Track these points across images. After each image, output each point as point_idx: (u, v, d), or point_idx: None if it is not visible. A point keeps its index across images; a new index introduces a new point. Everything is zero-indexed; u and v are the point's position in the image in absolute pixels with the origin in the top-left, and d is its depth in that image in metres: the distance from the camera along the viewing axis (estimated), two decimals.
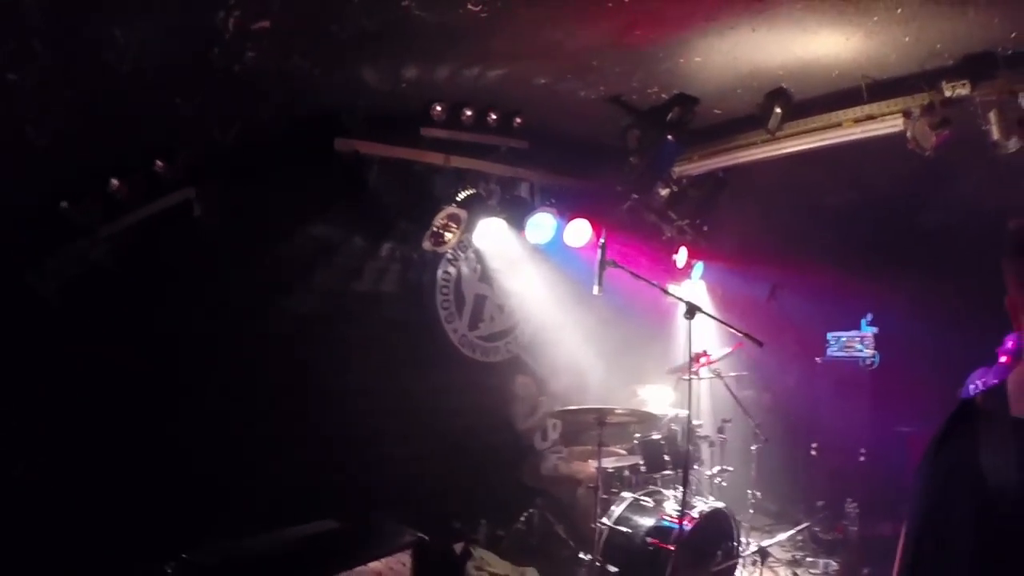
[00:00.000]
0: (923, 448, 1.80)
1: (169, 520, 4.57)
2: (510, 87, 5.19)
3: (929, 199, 6.83)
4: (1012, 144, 4.89)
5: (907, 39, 4.52)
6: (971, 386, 6.21)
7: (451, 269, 6.94)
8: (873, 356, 7.48)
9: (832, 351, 7.75)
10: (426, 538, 5.31)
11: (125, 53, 3.58)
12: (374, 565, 4.78)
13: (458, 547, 5.74)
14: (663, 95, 5.47)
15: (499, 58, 4.68)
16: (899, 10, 4.09)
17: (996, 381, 5.34)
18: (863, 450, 7.28)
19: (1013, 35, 4.49)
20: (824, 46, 4.63)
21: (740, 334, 4.77)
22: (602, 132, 6.11)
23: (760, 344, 4.76)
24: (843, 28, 4.36)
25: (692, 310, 4.62)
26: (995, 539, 1.53)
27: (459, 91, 5.23)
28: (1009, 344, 6.37)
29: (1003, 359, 6.29)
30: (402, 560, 4.98)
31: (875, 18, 4.20)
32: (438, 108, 5.26)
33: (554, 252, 6.86)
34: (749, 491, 6.59)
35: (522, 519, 6.35)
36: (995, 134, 4.90)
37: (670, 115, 5.60)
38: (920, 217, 7.14)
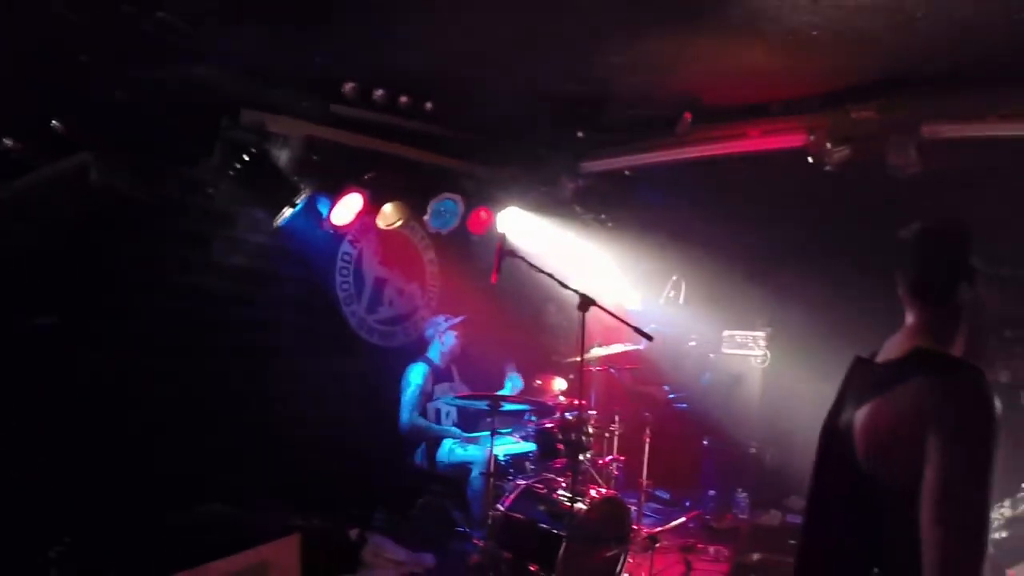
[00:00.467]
0: (811, 443, 2.44)
1: (51, 505, 4.52)
2: (425, 71, 5.26)
3: (830, 210, 7.28)
4: (909, 168, 5.35)
5: (820, 61, 4.85)
6: None
7: (351, 250, 7.01)
8: (765, 354, 7.92)
9: (726, 348, 8.16)
10: (315, 523, 5.39)
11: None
12: (261, 549, 4.80)
13: (353, 533, 5.82)
14: (577, 91, 5.62)
15: (415, 41, 4.73)
16: (814, 32, 4.37)
17: None
18: (754, 443, 7.74)
19: (921, 66, 4.89)
20: (739, 59, 4.88)
21: (631, 328, 5.03)
22: (514, 122, 6.27)
23: (650, 339, 5.05)
24: (760, 44, 4.61)
25: (586, 303, 4.84)
26: (822, 455, 2.32)
27: (373, 72, 5.28)
28: None
29: None
30: (290, 545, 5.03)
31: (791, 38, 4.46)
32: (349, 87, 5.31)
33: (456, 238, 7.02)
34: (642, 480, 6.90)
35: (419, 504, 6.47)
36: (894, 158, 5.35)
37: (583, 111, 5.82)
38: (821, 226, 7.60)
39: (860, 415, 2.17)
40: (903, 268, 2.33)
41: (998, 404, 1.93)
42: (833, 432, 2.29)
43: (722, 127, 5.96)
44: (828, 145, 5.52)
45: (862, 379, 2.31)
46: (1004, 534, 7.19)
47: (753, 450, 7.72)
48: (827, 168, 5.59)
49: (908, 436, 1.98)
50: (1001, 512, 7.38)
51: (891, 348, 2.28)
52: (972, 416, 1.93)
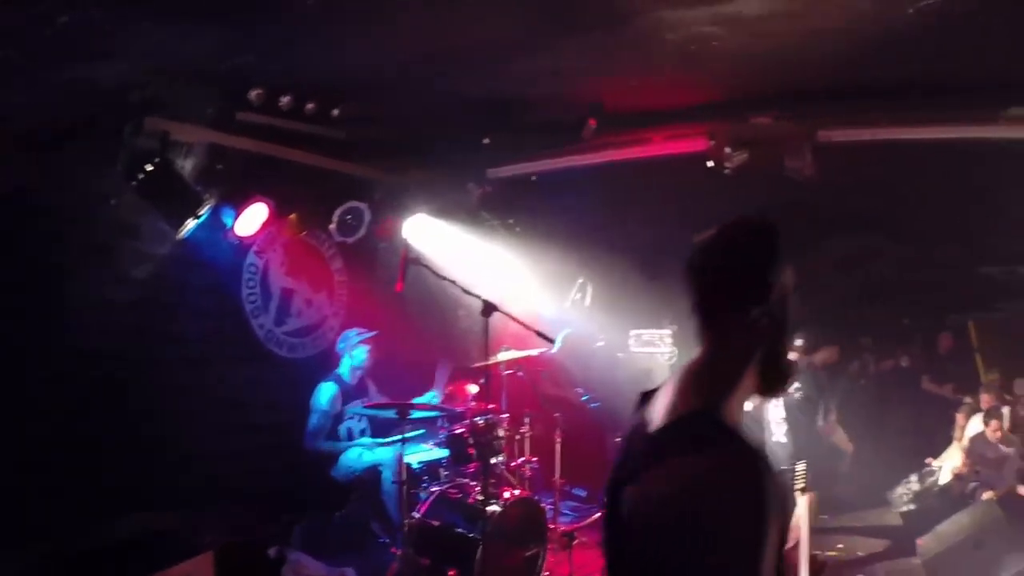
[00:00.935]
0: None
1: None
2: (333, 77, 5.36)
3: (727, 210, 7.67)
4: (805, 171, 5.80)
5: (721, 69, 5.20)
6: None
7: (257, 261, 6.99)
8: (672, 352, 8.25)
9: (634, 347, 8.46)
10: (231, 540, 5.37)
11: None
12: (174, 570, 4.80)
13: (272, 551, 5.78)
14: (485, 98, 5.82)
15: (322, 47, 4.81)
16: (715, 43, 4.70)
17: None
18: None
19: (818, 75, 5.30)
20: (643, 67, 5.19)
21: (533, 332, 5.24)
22: (421, 129, 6.39)
23: (551, 342, 5.28)
24: (663, 54, 4.91)
25: (489, 308, 5.02)
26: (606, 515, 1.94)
27: (279, 77, 5.32)
28: (794, 342, 7.39)
29: (792, 356, 7.24)
30: (204, 564, 5.01)
31: (693, 47, 4.78)
32: (256, 93, 5.33)
33: (363, 246, 7.12)
34: (554, 479, 7.10)
35: (338, 516, 6.51)
36: (790, 162, 5.79)
37: (490, 118, 6.00)
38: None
39: (629, 492, 1.83)
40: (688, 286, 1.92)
41: (771, 486, 1.63)
42: (612, 493, 1.92)
43: (626, 132, 6.27)
44: (728, 150, 5.89)
45: (634, 443, 1.93)
46: (913, 507, 7.81)
47: None
48: (726, 171, 5.96)
49: (668, 533, 1.72)
50: (909, 487, 8.02)
51: (666, 398, 1.87)
52: (734, 516, 1.64)
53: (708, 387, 1.80)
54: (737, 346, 1.84)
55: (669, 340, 8.25)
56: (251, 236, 6.23)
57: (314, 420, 6.66)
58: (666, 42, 4.71)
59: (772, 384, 1.89)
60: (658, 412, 1.85)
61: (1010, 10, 4.32)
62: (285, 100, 5.48)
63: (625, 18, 4.41)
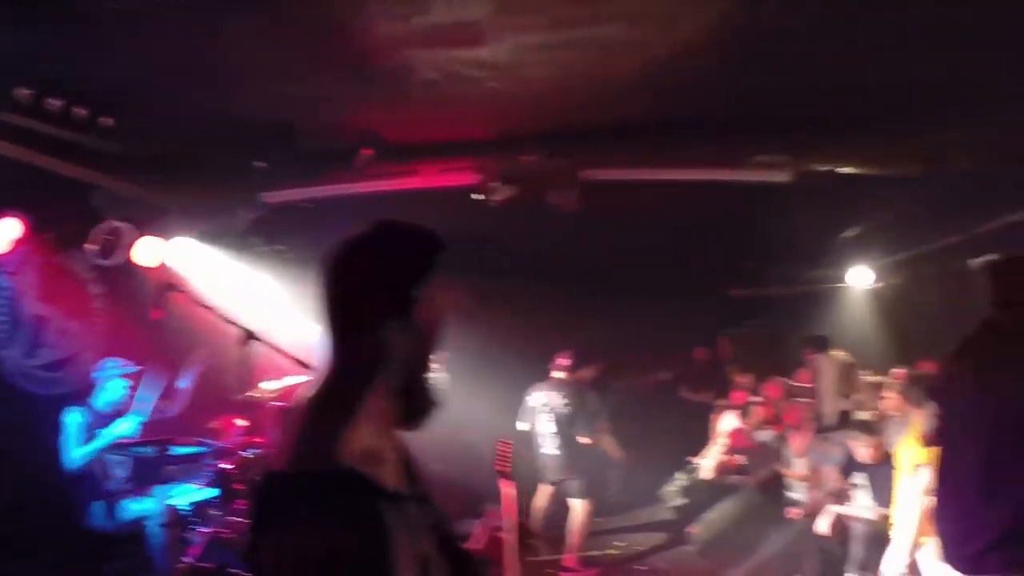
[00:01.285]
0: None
1: None
2: (101, 85, 5.22)
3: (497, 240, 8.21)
4: (568, 207, 6.39)
5: (495, 109, 5.64)
6: (528, 398, 8.00)
7: (6, 284, 6.54)
8: (445, 376, 8.63)
9: None
10: None
11: None
12: None
13: None
14: (261, 121, 5.87)
15: (92, 53, 4.73)
16: (492, 84, 5.11)
17: (557, 393, 6.89)
18: (438, 462, 8.44)
19: (583, 119, 5.83)
20: (420, 103, 5.48)
21: (292, 360, 5.37)
22: (192, 148, 6.34)
23: (311, 369, 5.41)
24: (440, 91, 5.25)
25: (248, 337, 5.09)
26: None
27: (51, 78, 5.08)
28: (561, 361, 8.02)
29: (560, 374, 8.14)
30: None
31: (472, 89, 5.18)
32: (24, 93, 5.00)
33: (125, 269, 6.93)
34: None
35: (104, 571, 6.21)
36: (554, 197, 6.40)
37: (265, 141, 6.05)
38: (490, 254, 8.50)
39: (260, 541, 1.57)
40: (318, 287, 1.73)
41: (392, 541, 1.48)
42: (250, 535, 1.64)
43: (399, 164, 6.53)
44: (495, 184, 6.37)
45: (268, 478, 1.69)
46: (684, 500, 8.86)
47: (439, 467, 8.37)
48: (492, 204, 6.45)
49: None
50: (677, 483, 9.03)
51: (290, 426, 1.67)
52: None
53: (328, 420, 1.59)
54: (360, 367, 1.65)
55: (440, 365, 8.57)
56: (1, 255, 5.93)
57: (71, 432, 6.24)
58: (428, 80, 5.06)
59: (412, 415, 1.74)
60: (283, 443, 1.65)
61: (758, 67, 5.02)
62: (55, 104, 5.16)
63: (377, 54, 4.72)
